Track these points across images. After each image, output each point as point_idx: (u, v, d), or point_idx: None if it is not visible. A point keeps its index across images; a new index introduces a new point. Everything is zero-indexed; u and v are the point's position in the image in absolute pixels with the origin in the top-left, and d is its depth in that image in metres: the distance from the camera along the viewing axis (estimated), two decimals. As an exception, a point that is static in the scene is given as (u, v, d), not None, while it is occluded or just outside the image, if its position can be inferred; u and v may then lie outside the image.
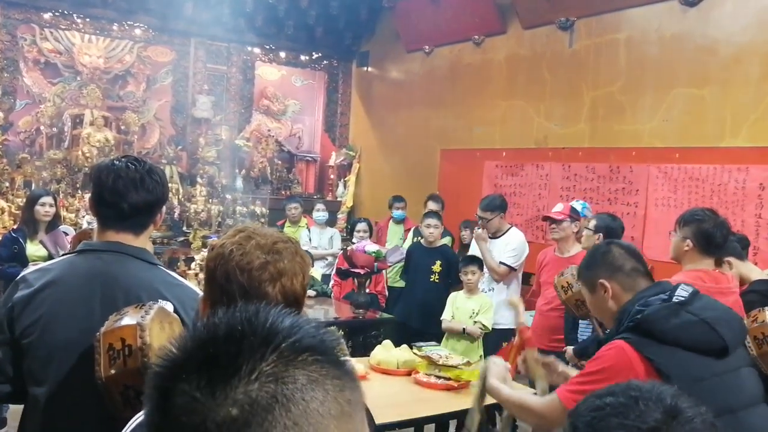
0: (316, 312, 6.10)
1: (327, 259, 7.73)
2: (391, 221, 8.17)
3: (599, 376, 2.16)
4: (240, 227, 1.60)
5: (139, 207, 2.08)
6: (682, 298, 2.22)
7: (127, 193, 2.06)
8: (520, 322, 4.61)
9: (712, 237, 3.38)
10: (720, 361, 2.18)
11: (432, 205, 7.41)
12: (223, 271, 1.50)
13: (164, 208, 2.21)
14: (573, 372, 2.62)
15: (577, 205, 5.50)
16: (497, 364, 2.75)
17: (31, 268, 2.22)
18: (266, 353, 0.68)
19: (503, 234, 5.84)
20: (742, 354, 2.35)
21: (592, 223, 4.84)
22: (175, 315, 1.90)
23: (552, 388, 2.62)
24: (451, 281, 5.84)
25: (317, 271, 7.28)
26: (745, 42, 5.91)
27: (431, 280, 6.05)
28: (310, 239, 7.90)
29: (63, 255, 2.31)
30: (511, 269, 5.70)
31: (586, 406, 1.05)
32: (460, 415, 4.26)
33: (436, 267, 6.04)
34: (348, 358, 0.75)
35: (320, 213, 8.09)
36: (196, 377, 0.68)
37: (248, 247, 1.51)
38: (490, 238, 5.90)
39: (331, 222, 9.06)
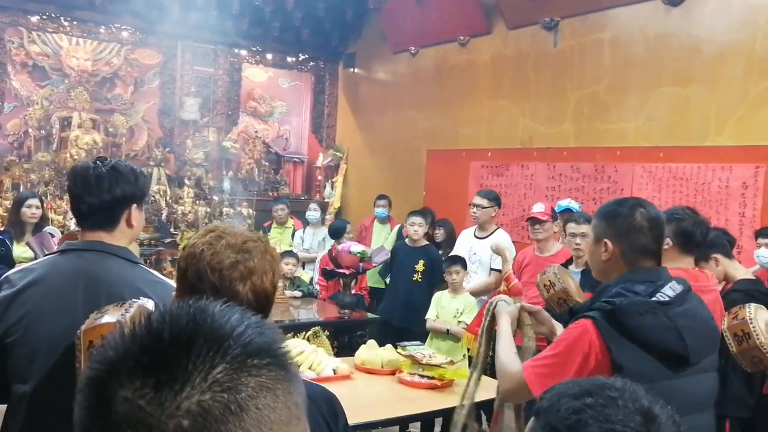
0: (303, 312, 6.13)
1: (316, 262, 7.72)
2: (375, 220, 8.19)
3: (564, 357, 2.15)
4: (211, 227, 1.63)
5: (95, 207, 2.12)
6: (666, 299, 2.15)
7: (83, 193, 2.11)
8: (506, 270, 4.57)
9: (692, 236, 3.39)
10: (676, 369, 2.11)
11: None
12: (195, 270, 1.53)
13: (134, 206, 2.20)
14: (561, 328, 2.52)
15: (573, 203, 5.54)
16: (508, 304, 2.64)
17: (14, 269, 2.25)
18: (216, 359, 0.65)
19: (490, 234, 5.87)
20: (708, 359, 2.26)
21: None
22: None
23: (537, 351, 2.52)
24: (435, 281, 5.86)
25: (306, 273, 7.29)
26: (729, 41, 5.95)
27: (414, 279, 6.08)
28: (302, 240, 7.90)
29: (46, 255, 2.34)
30: None
31: (565, 407, 1.01)
32: (445, 414, 4.29)
33: (419, 266, 6.08)
34: (291, 354, 0.73)
35: (312, 213, 8.07)
36: (140, 384, 0.64)
37: (219, 246, 1.54)
38: (477, 238, 5.94)
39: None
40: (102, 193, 2.10)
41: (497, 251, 4.85)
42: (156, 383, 0.64)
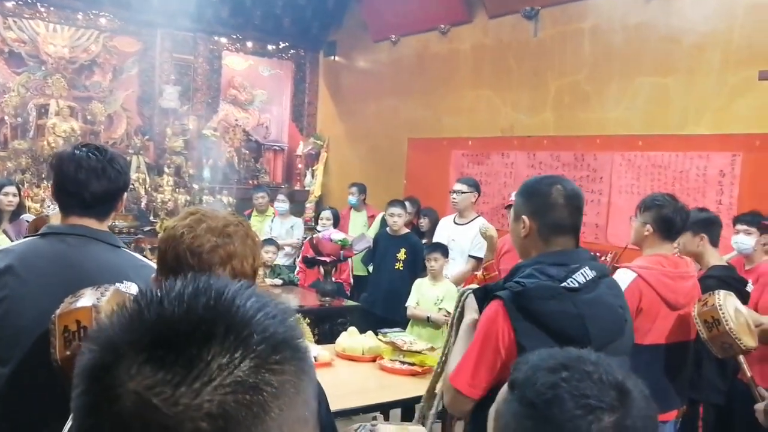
0: (284, 300, 6.11)
1: (284, 249, 7.69)
2: (351, 209, 8.19)
3: (485, 345, 2.15)
4: (191, 209, 1.61)
5: (100, 196, 2.11)
6: (576, 285, 2.14)
7: (88, 183, 2.08)
8: (488, 258, 4.57)
9: (672, 222, 3.43)
10: None
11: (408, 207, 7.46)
12: (174, 253, 1.51)
13: (125, 195, 2.23)
14: None
15: None
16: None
17: None
18: (237, 353, 0.60)
19: (470, 222, 5.89)
20: (613, 346, 2.22)
21: None
22: (131, 297, 1.90)
23: None
24: (417, 269, 5.88)
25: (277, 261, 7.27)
26: (707, 31, 5.99)
27: (396, 267, 6.10)
28: (271, 229, 7.90)
29: (25, 238, 2.31)
30: (482, 260, 5.76)
31: (542, 382, 1.02)
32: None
33: (401, 255, 6.10)
34: (306, 339, 0.69)
35: (281, 203, 8.04)
36: (153, 380, 0.58)
37: (199, 230, 1.53)
38: (456, 225, 5.96)
39: (299, 211, 9.06)
40: (108, 182, 2.11)
41: (485, 236, 4.87)
42: (172, 380, 0.58)
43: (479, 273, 4.63)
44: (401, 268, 6.08)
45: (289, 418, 0.62)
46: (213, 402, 0.58)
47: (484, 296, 2.28)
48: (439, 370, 2.71)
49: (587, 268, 2.20)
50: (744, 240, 4.37)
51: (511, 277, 2.23)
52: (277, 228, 7.91)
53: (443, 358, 2.68)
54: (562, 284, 2.13)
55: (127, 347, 0.60)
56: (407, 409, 4.96)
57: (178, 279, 0.67)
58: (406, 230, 6.39)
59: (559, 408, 0.99)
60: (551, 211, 2.26)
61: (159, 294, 0.64)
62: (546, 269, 2.17)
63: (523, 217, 2.29)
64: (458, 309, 2.57)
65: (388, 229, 6.37)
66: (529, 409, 1.02)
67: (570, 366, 1.03)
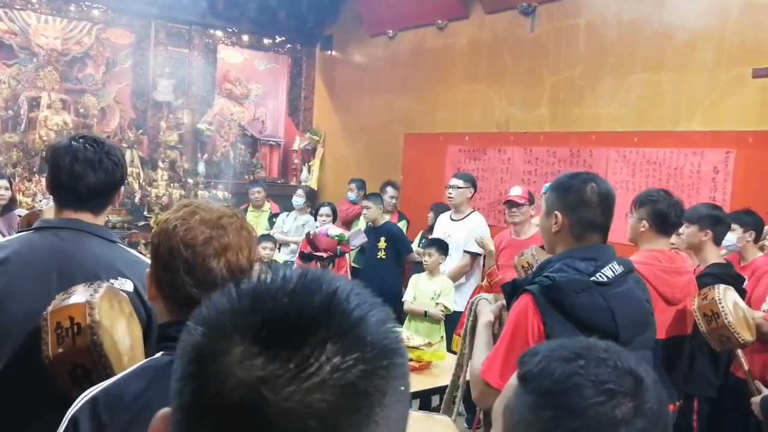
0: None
1: (290, 246, 7.66)
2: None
3: (515, 340, 2.17)
4: (185, 202, 1.58)
5: (97, 190, 2.08)
6: (605, 279, 2.18)
7: (85, 176, 2.05)
8: (490, 265, 4.64)
9: (667, 217, 3.43)
10: None
11: (390, 191, 7.55)
12: (167, 246, 1.49)
13: (122, 188, 2.20)
14: None
15: None
16: (490, 302, 2.64)
17: None
18: (351, 357, 0.60)
19: (466, 217, 5.89)
20: (640, 339, 2.30)
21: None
22: (124, 294, 1.89)
23: None
24: (399, 254, 5.99)
25: (281, 257, 7.25)
26: (700, 28, 6.00)
27: (378, 257, 6.19)
28: (284, 222, 7.84)
29: (18, 232, 2.28)
30: (477, 255, 5.76)
31: (559, 372, 1.02)
32: (421, 395, 4.30)
33: (381, 244, 6.22)
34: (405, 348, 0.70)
35: (298, 198, 7.95)
36: (265, 370, 0.58)
37: (192, 222, 1.50)
38: (452, 220, 5.95)
39: (291, 207, 9.02)
40: (105, 175, 2.08)
41: (482, 244, 4.95)
42: (284, 375, 0.58)
43: (483, 282, 4.69)
44: (383, 257, 6.19)
45: (392, 421, 0.63)
46: (324, 402, 0.58)
47: (512, 291, 2.30)
48: (454, 378, 2.73)
49: (615, 263, 2.24)
50: (731, 238, 4.38)
51: (540, 272, 2.25)
52: (290, 222, 7.86)
53: (458, 369, 2.70)
54: (591, 278, 2.16)
55: (239, 336, 0.60)
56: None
57: (287, 271, 0.66)
58: (386, 219, 6.56)
59: (579, 396, 0.99)
60: (585, 209, 2.29)
61: (274, 285, 0.64)
62: (575, 263, 2.21)
63: (556, 212, 2.32)
64: (470, 318, 2.59)
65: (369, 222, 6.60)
66: (547, 399, 1.02)
67: (584, 354, 1.03)
